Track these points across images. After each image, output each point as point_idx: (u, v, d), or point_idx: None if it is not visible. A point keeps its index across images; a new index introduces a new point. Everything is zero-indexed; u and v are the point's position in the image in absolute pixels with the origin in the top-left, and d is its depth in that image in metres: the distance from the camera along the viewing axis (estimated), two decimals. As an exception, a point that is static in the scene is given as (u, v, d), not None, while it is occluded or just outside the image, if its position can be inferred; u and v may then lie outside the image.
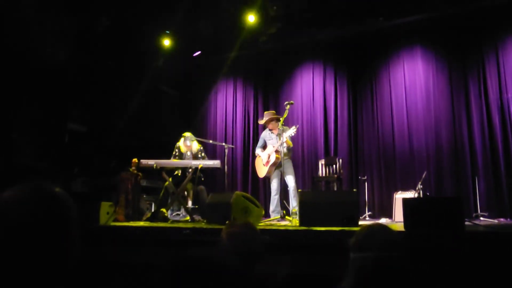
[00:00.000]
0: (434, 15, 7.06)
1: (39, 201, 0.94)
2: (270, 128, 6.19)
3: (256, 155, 6.36)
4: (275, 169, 6.01)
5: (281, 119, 5.80)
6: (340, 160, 6.93)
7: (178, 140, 6.33)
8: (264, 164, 6.07)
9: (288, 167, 5.92)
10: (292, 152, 6.27)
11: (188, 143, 6.20)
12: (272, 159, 5.89)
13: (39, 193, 0.95)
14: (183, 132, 6.37)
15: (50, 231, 0.93)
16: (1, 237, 0.89)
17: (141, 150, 6.60)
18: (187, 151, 6.23)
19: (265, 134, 6.30)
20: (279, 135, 5.76)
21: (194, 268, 0.72)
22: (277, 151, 5.84)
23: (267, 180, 6.53)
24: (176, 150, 6.26)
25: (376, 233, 1.83)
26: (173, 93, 9.22)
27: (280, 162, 5.76)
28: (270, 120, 6.16)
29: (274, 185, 6.02)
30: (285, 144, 5.73)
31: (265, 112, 6.55)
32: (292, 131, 5.66)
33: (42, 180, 0.99)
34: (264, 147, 6.29)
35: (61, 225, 0.95)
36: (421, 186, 6.11)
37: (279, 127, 5.82)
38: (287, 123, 6.26)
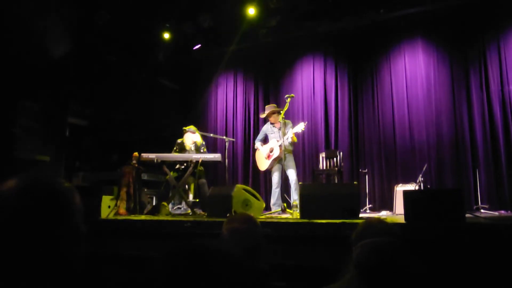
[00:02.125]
0: (435, 6, 7.01)
1: (40, 193, 0.93)
2: (272, 121, 6.18)
3: (255, 148, 6.36)
4: (276, 163, 6.02)
5: (281, 112, 5.79)
6: (341, 153, 6.93)
7: (180, 136, 6.30)
8: (266, 158, 6.07)
9: (290, 160, 5.93)
10: (293, 147, 6.27)
11: (194, 137, 6.18)
12: (276, 153, 5.88)
13: (40, 185, 0.94)
14: (184, 126, 6.34)
15: (51, 225, 0.92)
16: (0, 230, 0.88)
17: (141, 144, 6.61)
18: (191, 147, 6.21)
19: (266, 128, 6.29)
20: (281, 128, 5.76)
21: (196, 257, 0.72)
22: (281, 146, 5.82)
23: (267, 173, 6.53)
24: (177, 147, 6.24)
25: (373, 225, 1.88)
26: (173, 86, 9.20)
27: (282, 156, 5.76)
28: (272, 113, 6.14)
29: (275, 178, 6.03)
30: (290, 139, 5.73)
31: (266, 106, 6.53)
32: (300, 127, 5.67)
33: (44, 173, 0.98)
34: (265, 140, 6.28)
35: (63, 218, 0.94)
36: (422, 179, 6.11)
37: (279, 120, 5.81)
38: (288, 116, 6.25)
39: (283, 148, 5.62)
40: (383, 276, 1.39)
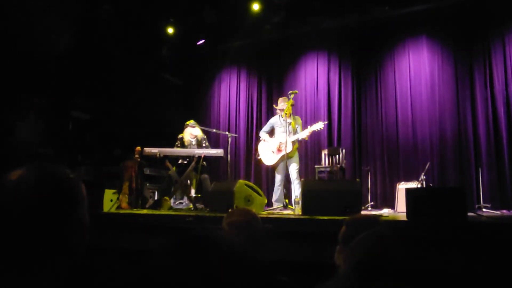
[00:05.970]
0: (440, 4, 6.98)
1: (52, 182, 0.93)
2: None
3: (261, 139, 6.20)
4: (282, 160, 5.93)
5: (284, 108, 5.76)
6: (343, 150, 6.92)
7: (181, 131, 6.29)
8: (274, 152, 5.95)
9: (296, 156, 5.92)
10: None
11: (194, 131, 6.16)
12: (289, 148, 5.66)
13: (50, 174, 0.94)
14: (186, 121, 6.34)
15: (62, 214, 0.92)
16: (6, 218, 0.88)
17: (144, 138, 6.62)
18: (192, 141, 6.20)
19: (275, 120, 6.14)
20: (291, 123, 5.71)
21: (199, 247, 0.72)
22: (293, 142, 5.75)
23: (270, 169, 6.49)
24: (178, 142, 6.22)
25: (362, 221, 1.83)
26: (176, 81, 9.20)
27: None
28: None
29: (279, 175, 5.98)
30: (303, 136, 5.69)
31: (280, 98, 6.32)
32: (318, 126, 5.63)
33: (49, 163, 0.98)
34: (271, 132, 6.18)
35: (72, 208, 0.94)
36: (424, 177, 6.09)
37: (285, 113, 5.73)
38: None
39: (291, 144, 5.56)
40: (381, 270, 1.37)
